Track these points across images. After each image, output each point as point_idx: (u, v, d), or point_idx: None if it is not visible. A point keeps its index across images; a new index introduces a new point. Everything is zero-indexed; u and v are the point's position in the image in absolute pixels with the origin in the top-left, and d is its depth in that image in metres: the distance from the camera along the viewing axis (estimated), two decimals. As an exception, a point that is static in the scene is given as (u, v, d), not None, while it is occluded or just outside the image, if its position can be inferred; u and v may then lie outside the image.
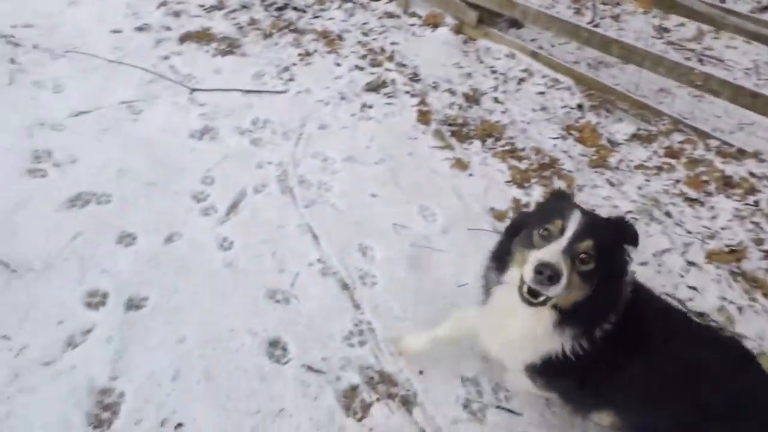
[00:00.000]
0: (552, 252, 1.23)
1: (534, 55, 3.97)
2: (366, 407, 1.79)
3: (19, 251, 2.16)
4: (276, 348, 1.95)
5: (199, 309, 2.05)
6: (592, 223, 1.32)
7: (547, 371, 1.48)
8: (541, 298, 1.27)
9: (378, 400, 1.81)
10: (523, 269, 1.27)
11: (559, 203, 1.46)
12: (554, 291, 1.20)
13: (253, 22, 4.25)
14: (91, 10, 4.02)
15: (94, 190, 2.51)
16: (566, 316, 1.35)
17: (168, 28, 4.03)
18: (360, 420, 1.74)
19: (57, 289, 2.05)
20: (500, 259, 1.45)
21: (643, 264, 2.61)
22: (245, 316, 2.03)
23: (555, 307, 1.34)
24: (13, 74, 3.25)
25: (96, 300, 2.03)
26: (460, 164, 3.00)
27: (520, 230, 1.42)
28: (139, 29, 3.94)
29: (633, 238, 1.38)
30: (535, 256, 1.23)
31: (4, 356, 1.81)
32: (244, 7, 4.47)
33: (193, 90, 3.35)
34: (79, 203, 2.44)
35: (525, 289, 1.28)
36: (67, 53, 3.52)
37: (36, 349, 1.84)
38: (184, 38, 3.90)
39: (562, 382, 1.55)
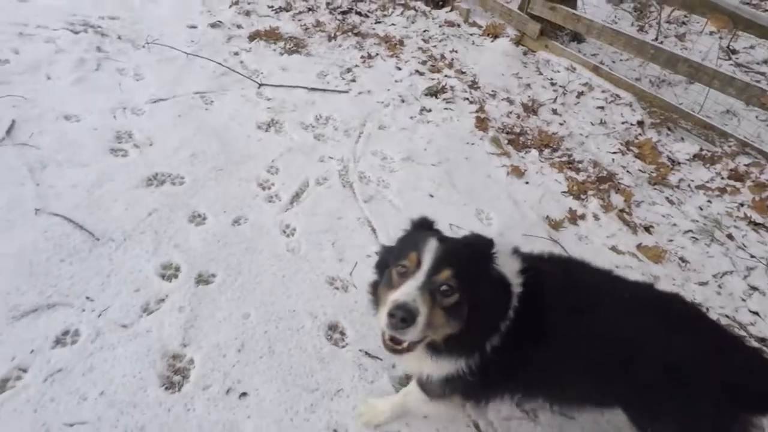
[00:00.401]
0: (407, 290, 1.11)
1: (595, 69, 3.93)
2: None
3: (102, 222, 2.32)
4: (334, 332, 2.01)
5: (262, 289, 2.14)
6: (451, 250, 1.19)
7: (441, 386, 1.39)
8: (405, 344, 1.16)
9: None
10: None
11: (416, 234, 1.32)
12: (411, 334, 1.09)
13: (318, 24, 4.41)
14: (169, 5, 4.28)
15: (169, 171, 2.67)
16: (440, 350, 1.24)
17: (239, 26, 4.24)
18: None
19: (134, 259, 2.19)
20: (374, 299, 1.35)
21: (703, 284, 2.54)
22: (306, 299, 2.10)
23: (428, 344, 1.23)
24: (100, 61, 3.49)
25: (169, 272, 2.16)
26: (517, 171, 3.01)
27: (386, 267, 1.29)
28: (213, 26, 4.16)
29: (488, 254, 1.25)
30: (391, 298, 1.12)
31: (88, 315, 1.95)
32: (310, 9, 4.64)
33: (261, 85, 3.50)
34: (155, 182, 2.60)
35: (387, 335, 1.17)
36: (148, 44, 3.75)
37: (115, 311, 1.97)
38: (254, 36, 4.09)
39: (457, 391, 1.43)
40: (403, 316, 1.07)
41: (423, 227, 1.41)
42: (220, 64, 3.60)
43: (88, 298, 2.01)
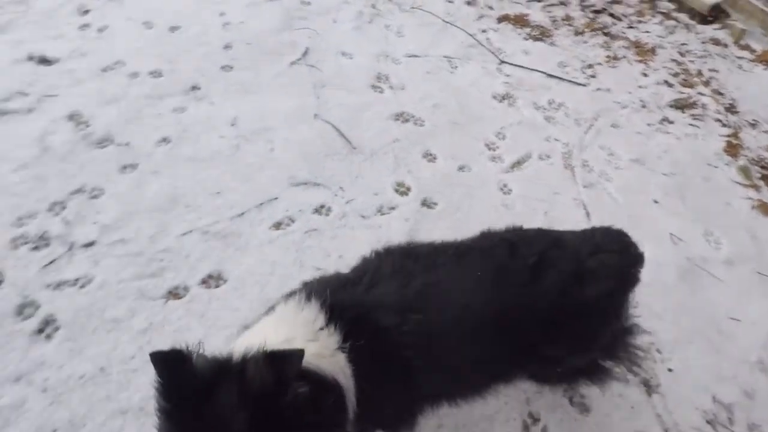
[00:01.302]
0: None
1: None
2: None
3: (358, 137, 2.86)
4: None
5: (475, 228, 2.38)
6: None
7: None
8: None
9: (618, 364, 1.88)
10: None
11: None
12: None
13: (567, 18, 4.49)
14: (436, -20, 4.81)
15: (414, 113, 3.11)
16: None
17: (491, 8, 4.57)
18: (597, 376, 1.85)
19: (377, 171, 2.66)
20: None
21: None
22: (511, 249, 2.30)
23: None
24: (372, 16, 4.16)
25: (402, 189, 2.58)
26: (765, 208, 2.72)
27: None
28: (468, 3, 4.55)
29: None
30: None
31: (339, 200, 2.47)
32: (562, 3, 4.73)
33: (502, 62, 3.77)
34: (401, 119, 3.06)
35: None
36: (412, 9, 4.32)
37: (358, 204, 2.46)
38: (502, 19, 4.37)
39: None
40: None
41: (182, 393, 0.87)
42: (471, 35, 3.97)
43: (340, 188, 2.53)
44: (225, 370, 0.89)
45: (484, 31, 4.21)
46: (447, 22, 4.11)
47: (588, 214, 2.55)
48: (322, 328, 1.11)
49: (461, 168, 2.76)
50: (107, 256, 2.10)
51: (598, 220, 2.51)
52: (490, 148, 2.94)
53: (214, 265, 2.11)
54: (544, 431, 1.72)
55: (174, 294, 2.00)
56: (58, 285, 1.98)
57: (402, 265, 1.29)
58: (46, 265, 2.04)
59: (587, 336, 1.42)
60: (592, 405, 1.79)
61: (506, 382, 1.53)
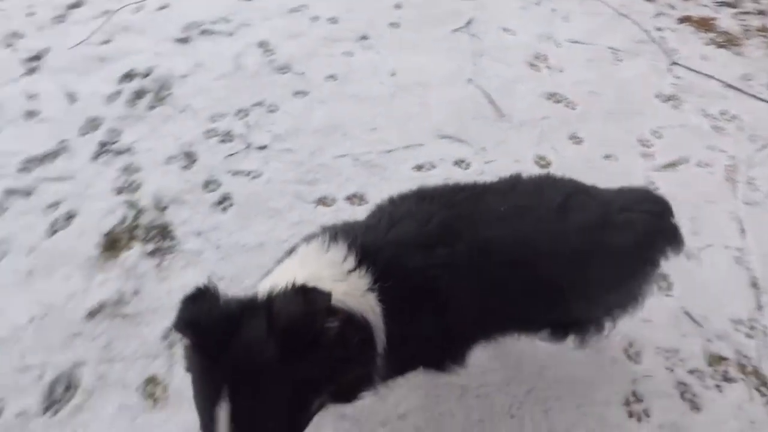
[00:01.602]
0: None
1: None
2: (727, 378, 1.83)
3: (508, 107, 2.97)
4: (664, 281, 2.14)
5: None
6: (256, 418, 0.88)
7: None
8: None
9: (743, 380, 1.81)
10: None
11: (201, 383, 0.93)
12: None
13: (763, 29, 4.08)
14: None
15: (567, 96, 3.13)
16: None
17: (672, 7, 4.30)
18: (717, 383, 1.80)
19: (521, 141, 2.77)
20: None
21: None
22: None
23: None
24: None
25: (542, 162, 2.67)
26: None
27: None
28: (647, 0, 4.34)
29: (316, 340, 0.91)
30: None
31: (479, 159, 2.63)
32: (761, 13, 4.29)
33: (674, 63, 3.57)
34: (554, 99, 3.10)
35: None
36: (586, -3, 4.23)
37: (497, 165, 2.60)
38: (684, 20, 4.10)
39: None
40: None
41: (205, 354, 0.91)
42: (645, 31, 3.81)
43: (483, 148, 2.69)
44: (252, 306, 0.94)
45: (659, 29, 4.00)
46: (622, 14, 3.98)
47: (743, 231, 2.40)
48: (352, 270, 1.11)
49: (607, 156, 2.74)
50: (275, 160, 2.50)
51: (754, 239, 2.35)
52: (643, 144, 2.86)
53: (359, 187, 2.41)
54: (645, 413, 1.73)
55: (323, 202, 2.33)
56: (236, 173, 2.42)
57: (418, 207, 1.28)
58: (228, 156, 2.50)
59: (600, 288, 1.39)
60: (703, 405, 1.75)
61: (526, 326, 1.52)
